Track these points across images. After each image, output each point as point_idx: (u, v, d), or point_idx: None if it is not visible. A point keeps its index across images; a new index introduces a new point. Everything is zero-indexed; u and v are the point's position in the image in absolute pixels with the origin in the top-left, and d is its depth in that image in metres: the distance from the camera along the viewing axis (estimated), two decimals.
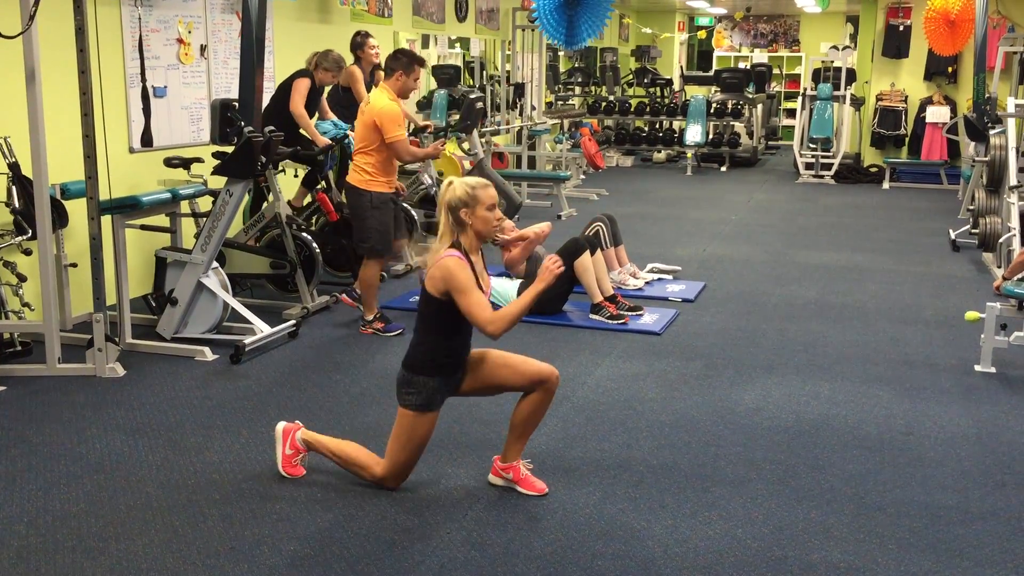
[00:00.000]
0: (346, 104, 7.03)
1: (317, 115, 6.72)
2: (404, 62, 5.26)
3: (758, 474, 3.62)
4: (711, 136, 14.36)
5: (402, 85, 5.28)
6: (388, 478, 3.38)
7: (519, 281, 6.01)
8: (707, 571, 2.92)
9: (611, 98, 15.24)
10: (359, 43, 7.11)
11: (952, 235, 8.50)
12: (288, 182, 6.78)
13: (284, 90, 6.36)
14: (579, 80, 15.75)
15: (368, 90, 7.12)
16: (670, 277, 6.93)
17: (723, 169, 14.28)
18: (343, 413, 4.21)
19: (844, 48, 13.70)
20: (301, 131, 6.39)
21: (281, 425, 3.57)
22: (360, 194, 5.27)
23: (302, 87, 6.27)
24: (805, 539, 3.13)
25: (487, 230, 3.29)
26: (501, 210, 7.81)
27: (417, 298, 3.41)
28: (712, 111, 14.18)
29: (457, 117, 8.80)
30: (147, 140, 5.51)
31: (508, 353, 3.44)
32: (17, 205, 4.86)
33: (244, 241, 5.96)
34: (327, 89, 6.74)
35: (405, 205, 6.78)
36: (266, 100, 6.15)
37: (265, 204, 6.22)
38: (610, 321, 5.61)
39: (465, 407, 4.19)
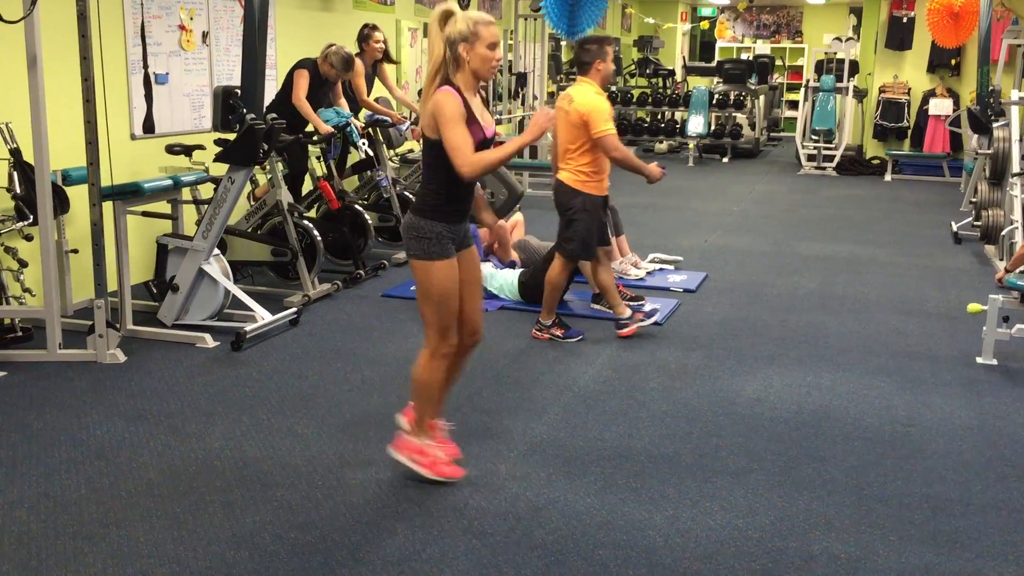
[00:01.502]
0: (345, 95, 7.01)
1: (330, 103, 6.70)
2: (595, 50, 4.95)
3: (759, 465, 3.62)
4: (713, 127, 14.33)
5: (603, 74, 4.97)
6: (438, 343, 3.25)
7: (520, 270, 6.01)
8: (708, 561, 2.92)
9: (613, 88, 15.20)
10: (365, 35, 7.09)
11: (954, 227, 8.50)
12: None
13: (288, 81, 6.38)
14: None
15: (369, 84, 7.10)
16: (671, 267, 6.92)
17: (725, 160, 14.26)
18: (344, 401, 4.20)
19: (847, 40, 13.66)
20: (304, 123, 6.39)
21: (394, 450, 3.43)
22: (573, 194, 5.02)
23: (301, 79, 6.30)
24: (806, 530, 3.13)
25: (483, 69, 3.13)
26: (502, 200, 7.88)
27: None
28: (714, 102, 14.16)
29: None
30: (149, 127, 5.51)
31: (478, 285, 3.38)
32: (18, 191, 4.85)
33: (245, 229, 5.96)
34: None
35: (407, 194, 6.74)
36: (267, 87, 6.13)
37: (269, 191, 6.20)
38: (610, 311, 5.60)
39: (465, 396, 4.19)
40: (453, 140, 3.06)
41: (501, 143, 3.30)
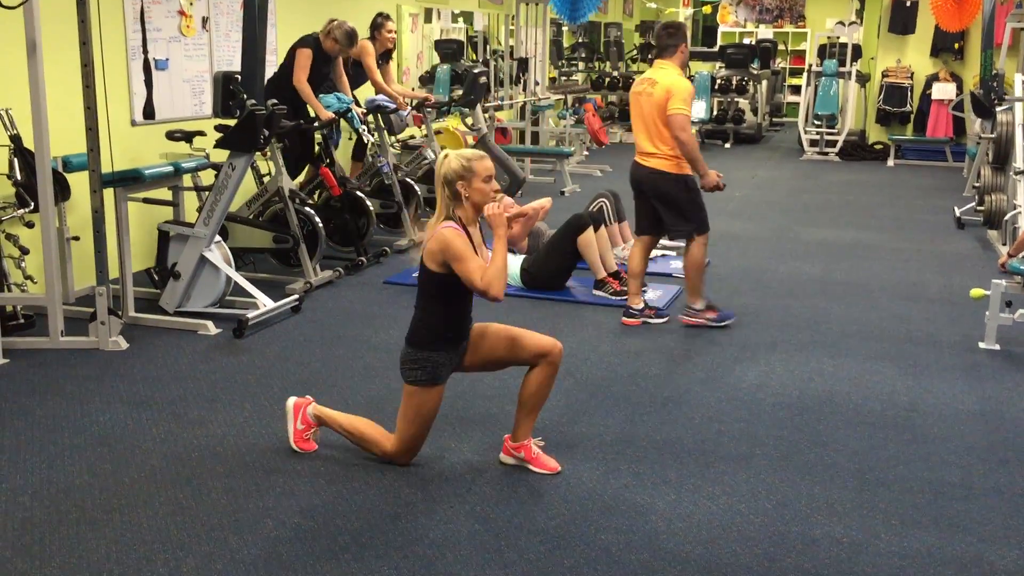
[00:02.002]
0: (354, 77, 6.98)
1: (332, 83, 6.66)
2: (677, 34, 5.06)
3: (761, 450, 3.62)
4: (715, 112, 14.28)
5: (683, 57, 5.08)
6: (399, 454, 3.38)
7: (523, 257, 6.00)
8: (710, 546, 2.92)
9: (615, 73, 15.14)
10: (378, 24, 7.06)
11: (957, 212, 8.48)
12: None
13: (290, 58, 6.32)
14: (583, 55, 15.64)
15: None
16: (673, 253, 6.90)
17: (727, 146, 14.22)
18: (346, 387, 4.21)
19: (850, 24, 13.58)
20: (303, 105, 6.36)
21: (292, 400, 3.57)
22: (674, 180, 5.03)
23: (303, 59, 6.23)
24: (808, 514, 3.13)
25: (483, 202, 3.27)
26: (504, 186, 7.85)
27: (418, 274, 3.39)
28: (716, 87, 14.09)
29: (460, 92, 8.74)
30: (149, 113, 5.47)
31: (510, 327, 3.44)
32: (19, 178, 4.84)
33: (247, 215, 5.95)
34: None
35: (409, 180, 6.73)
36: (268, 73, 6.11)
37: (268, 178, 6.19)
38: (613, 297, 5.60)
39: (468, 382, 4.19)
40: (471, 274, 3.17)
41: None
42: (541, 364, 3.35)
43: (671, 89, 4.90)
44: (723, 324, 5.14)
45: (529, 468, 3.41)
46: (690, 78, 14.08)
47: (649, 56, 14.23)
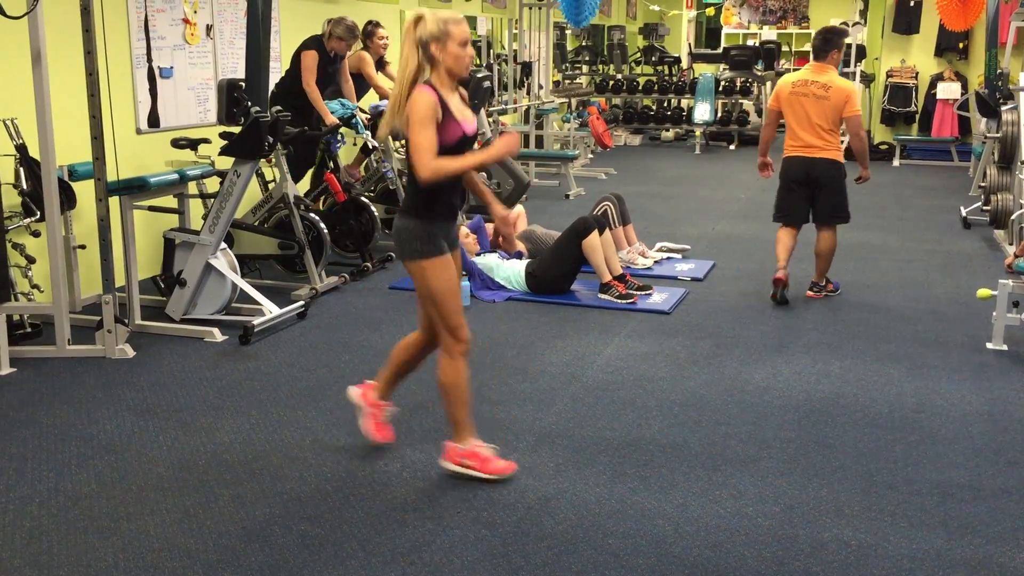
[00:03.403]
0: (356, 88, 6.99)
1: (338, 85, 6.67)
2: (836, 40, 5.60)
3: (768, 452, 3.61)
4: (720, 114, 14.27)
5: (838, 61, 5.62)
6: (451, 341, 3.24)
7: (527, 260, 6.00)
8: (718, 549, 2.91)
9: (619, 76, 15.14)
10: (368, 32, 7.08)
11: (963, 212, 8.45)
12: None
13: (295, 62, 6.33)
14: (587, 59, 15.65)
15: (371, 82, 7.06)
16: (679, 256, 6.90)
17: (732, 147, 14.20)
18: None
19: (854, 24, 13.57)
20: (311, 108, 6.37)
21: (354, 390, 3.58)
22: (841, 169, 5.70)
23: (310, 61, 6.25)
24: (816, 517, 3.12)
25: (458, 68, 3.13)
26: (508, 190, 7.86)
27: None
28: (721, 89, 14.09)
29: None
30: (154, 121, 5.50)
31: (460, 283, 3.34)
32: (25, 187, 4.85)
33: (252, 222, 5.96)
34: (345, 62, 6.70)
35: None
36: (272, 80, 6.12)
37: (273, 185, 6.20)
38: (619, 300, 5.60)
39: (473, 388, 4.17)
40: (417, 141, 3.05)
41: (488, 141, 3.32)
42: (429, 333, 3.35)
43: (850, 94, 5.53)
44: (838, 292, 5.89)
45: (363, 428, 3.51)
46: (694, 81, 14.16)
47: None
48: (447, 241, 3.25)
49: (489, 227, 6.35)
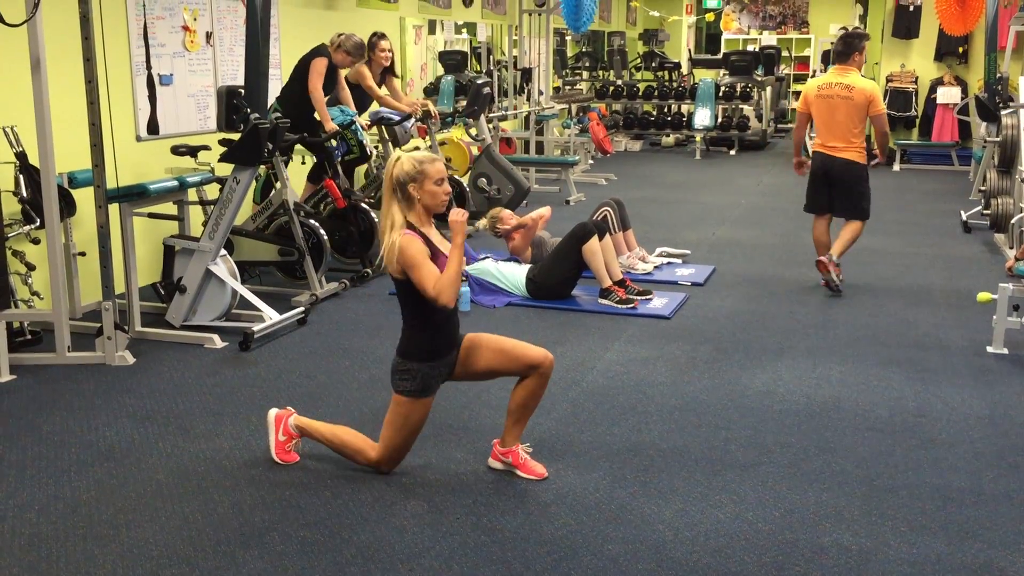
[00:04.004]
0: (359, 100, 7.00)
1: (336, 96, 6.70)
2: (857, 43, 5.95)
3: (768, 457, 3.61)
4: (720, 120, 14.28)
5: (859, 63, 5.97)
6: (382, 462, 3.38)
7: (527, 266, 6.00)
8: (718, 554, 2.91)
9: (619, 82, 15.16)
10: (372, 44, 7.08)
11: (963, 216, 8.45)
12: (297, 169, 6.78)
13: (302, 68, 6.34)
14: (587, 64, 15.67)
15: (374, 94, 7.07)
16: (679, 261, 6.90)
17: (732, 153, 14.21)
18: (352, 399, 4.21)
19: (854, 29, 13.59)
20: (314, 115, 6.38)
21: (273, 412, 3.57)
22: (862, 169, 5.98)
23: (320, 66, 6.28)
24: (816, 522, 3.11)
25: (435, 204, 3.25)
26: (508, 196, 7.85)
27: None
28: (721, 94, 14.10)
29: (464, 103, 8.76)
30: (153, 128, 5.51)
31: (502, 338, 3.43)
32: (25, 194, 4.86)
33: (252, 228, 5.96)
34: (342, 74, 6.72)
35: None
36: (272, 87, 6.13)
37: (273, 191, 6.21)
38: (619, 305, 5.59)
39: (474, 392, 4.19)
40: (422, 281, 3.16)
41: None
42: (532, 375, 3.34)
43: (872, 94, 5.84)
44: (841, 280, 6.06)
45: (517, 473, 3.41)
46: (694, 86, 14.18)
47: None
48: (440, 376, 3.35)
49: (513, 218, 6.26)
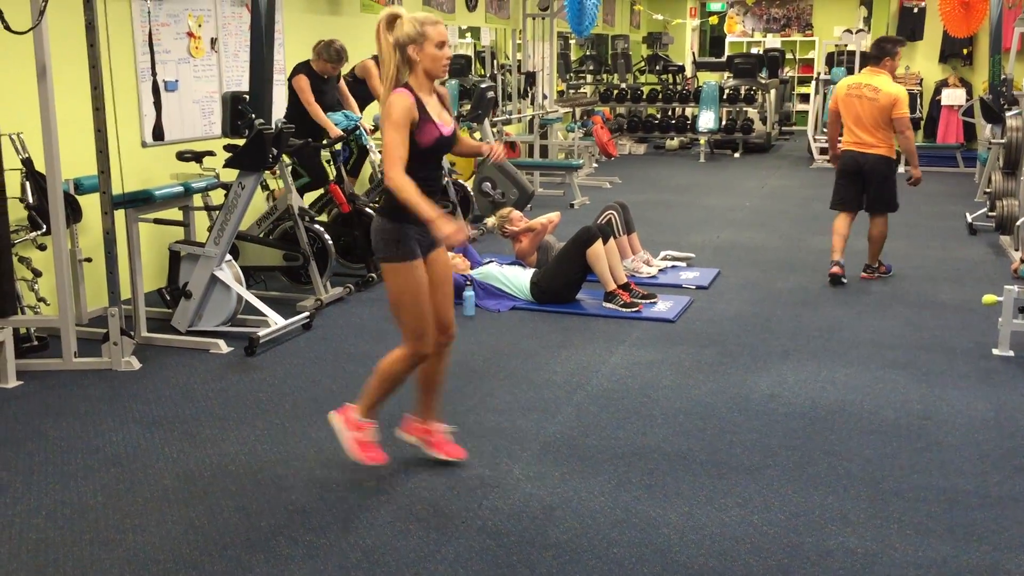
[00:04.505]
0: (360, 96, 7.03)
1: (338, 102, 6.73)
2: (890, 48, 6.26)
3: (774, 460, 3.61)
4: (724, 122, 14.27)
5: (891, 67, 6.27)
6: (416, 347, 3.26)
7: (532, 270, 6.01)
8: (723, 557, 2.91)
9: (623, 85, 15.16)
10: None
11: (969, 218, 8.44)
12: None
13: (291, 90, 6.45)
14: (590, 68, 15.69)
15: (375, 94, 7.11)
16: (684, 264, 6.90)
17: (736, 155, 14.20)
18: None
19: (858, 31, 13.58)
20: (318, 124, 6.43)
21: (333, 414, 3.49)
22: (891, 163, 6.32)
23: (302, 83, 6.42)
24: (822, 525, 3.11)
25: (435, 68, 3.16)
26: (512, 200, 7.86)
27: None
28: (725, 97, 14.10)
29: (468, 107, 8.77)
30: (159, 134, 5.52)
31: (449, 283, 3.40)
32: (31, 201, 4.87)
33: (257, 234, 5.98)
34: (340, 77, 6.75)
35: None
36: (276, 93, 6.15)
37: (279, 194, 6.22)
38: (624, 309, 5.59)
39: (478, 397, 4.19)
40: (388, 143, 3.09)
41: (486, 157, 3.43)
42: (438, 339, 3.36)
43: (897, 98, 6.12)
44: (891, 274, 6.53)
45: (428, 453, 3.50)
46: (698, 89, 14.19)
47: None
48: (422, 246, 3.25)
49: (523, 220, 6.28)
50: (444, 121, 3.23)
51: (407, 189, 3.08)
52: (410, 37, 3.11)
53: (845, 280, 6.32)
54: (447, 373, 3.56)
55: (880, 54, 6.26)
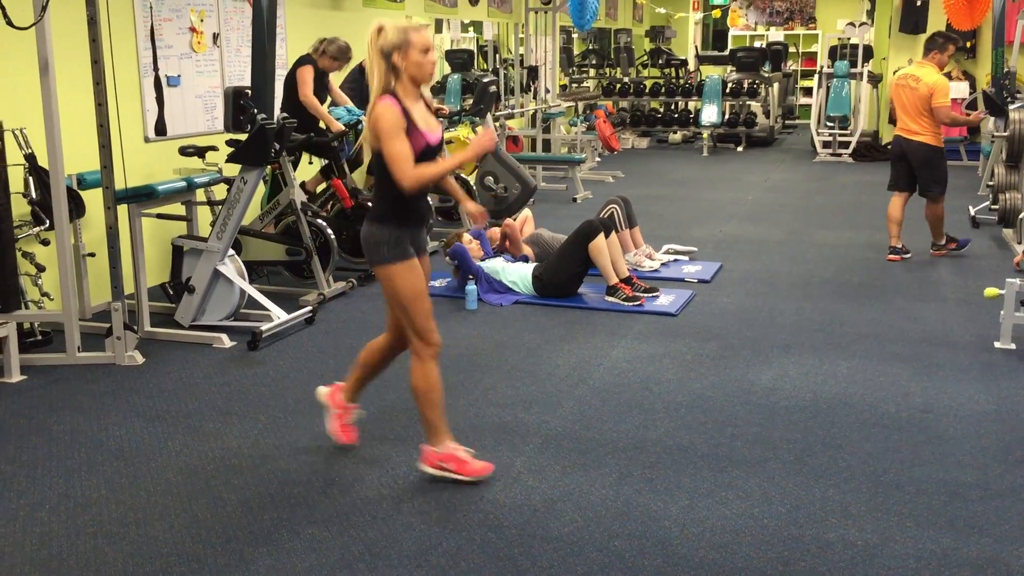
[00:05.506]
0: (360, 90, 7.03)
1: (330, 100, 6.74)
2: (940, 43, 6.67)
3: (775, 454, 3.61)
4: (727, 116, 14.27)
5: (938, 61, 6.65)
6: (421, 345, 3.27)
7: (534, 264, 6.02)
8: (724, 550, 2.92)
9: (626, 79, 15.16)
10: None
11: (972, 211, 8.43)
12: (304, 168, 6.81)
13: (291, 80, 6.40)
14: (593, 62, 15.67)
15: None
16: (686, 258, 6.90)
17: (739, 149, 14.19)
18: (360, 398, 4.21)
19: (861, 24, 13.55)
20: (319, 122, 6.41)
21: (322, 390, 3.67)
22: (935, 150, 6.66)
23: (306, 75, 6.33)
24: (822, 518, 3.12)
25: (420, 75, 3.18)
26: (515, 194, 7.87)
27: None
28: (728, 91, 14.08)
29: (471, 101, 8.78)
30: (161, 129, 5.55)
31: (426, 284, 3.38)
32: (34, 196, 4.90)
33: (260, 228, 5.99)
34: (334, 75, 6.74)
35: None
36: (279, 88, 6.16)
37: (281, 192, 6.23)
38: (626, 303, 5.60)
39: (480, 391, 4.20)
40: (393, 152, 3.10)
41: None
42: (390, 343, 3.46)
43: (935, 88, 6.49)
44: (964, 248, 6.96)
45: (328, 426, 3.61)
46: (700, 83, 14.17)
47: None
48: (415, 246, 3.29)
49: (495, 231, 6.37)
50: (431, 127, 3.24)
51: (428, 175, 3.14)
52: (394, 44, 3.14)
53: (908, 255, 6.84)
54: (384, 370, 3.65)
55: (929, 47, 6.70)
